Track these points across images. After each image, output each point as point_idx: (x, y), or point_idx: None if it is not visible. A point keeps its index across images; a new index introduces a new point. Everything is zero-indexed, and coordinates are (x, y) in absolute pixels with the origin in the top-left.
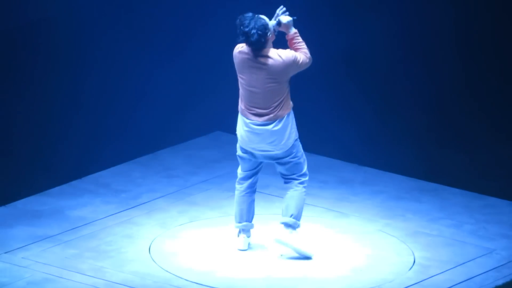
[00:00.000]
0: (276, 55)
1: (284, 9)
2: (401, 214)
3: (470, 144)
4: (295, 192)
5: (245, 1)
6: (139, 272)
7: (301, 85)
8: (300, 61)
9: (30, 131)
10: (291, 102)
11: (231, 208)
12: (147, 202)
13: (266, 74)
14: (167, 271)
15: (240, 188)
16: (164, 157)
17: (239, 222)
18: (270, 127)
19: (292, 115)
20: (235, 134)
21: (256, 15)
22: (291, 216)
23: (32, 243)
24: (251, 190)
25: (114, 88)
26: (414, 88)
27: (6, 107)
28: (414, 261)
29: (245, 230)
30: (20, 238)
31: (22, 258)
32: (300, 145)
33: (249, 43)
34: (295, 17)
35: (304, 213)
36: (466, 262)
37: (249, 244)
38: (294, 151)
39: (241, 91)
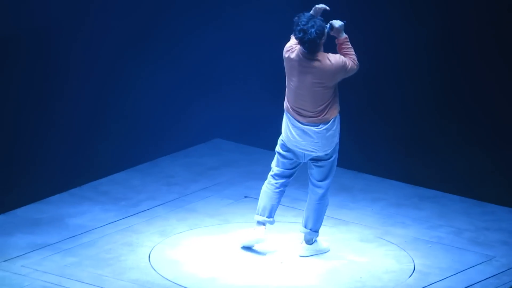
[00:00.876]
0: (326, 59)
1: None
2: (400, 221)
3: (470, 151)
4: (317, 205)
5: (244, 10)
6: (139, 280)
7: None
8: (349, 67)
9: (29, 139)
10: (338, 107)
11: (231, 215)
12: (146, 210)
13: (314, 78)
14: (167, 279)
15: (275, 184)
16: (163, 165)
17: (265, 216)
18: (315, 128)
19: (338, 120)
20: (235, 142)
21: (316, 17)
22: (310, 229)
23: (32, 251)
24: (284, 189)
25: (113, 95)
26: (413, 95)
27: (5, 115)
28: (414, 268)
29: (265, 223)
30: (20, 246)
31: (21, 266)
32: (337, 154)
33: (304, 41)
34: (345, 21)
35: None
36: (466, 269)
37: (262, 238)
38: (334, 155)
39: (287, 90)
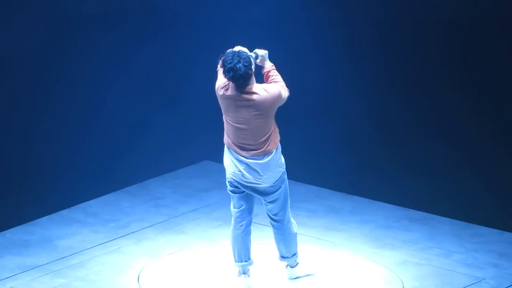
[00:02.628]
0: (262, 90)
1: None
2: (390, 243)
3: (459, 173)
4: (282, 235)
5: (234, 33)
6: None
7: (289, 115)
8: (284, 95)
9: (18, 161)
10: (278, 136)
11: (220, 237)
12: (135, 232)
13: (254, 110)
14: None
15: (240, 227)
16: (152, 187)
17: (240, 262)
18: (259, 160)
19: (279, 149)
20: (224, 164)
21: (237, 50)
22: (287, 257)
23: (21, 272)
24: (249, 229)
25: (103, 119)
26: (402, 118)
27: None
28: None
29: (246, 270)
30: (9, 268)
31: (10, 287)
32: (286, 183)
33: (236, 78)
34: (266, 51)
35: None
36: None
37: (249, 286)
38: (282, 185)
39: (226, 126)
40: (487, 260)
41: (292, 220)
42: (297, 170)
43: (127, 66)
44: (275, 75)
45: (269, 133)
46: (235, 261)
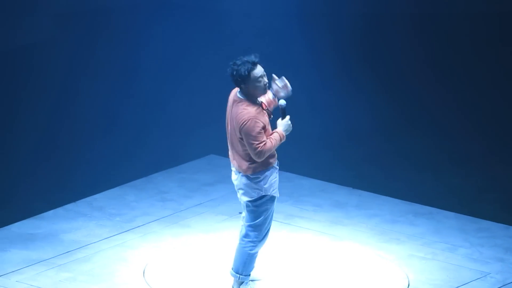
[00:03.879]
0: (242, 110)
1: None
2: (395, 238)
3: (465, 168)
4: (239, 245)
5: (249, 28)
6: None
7: (294, 107)
8: (253, 143)
9: (24, 155)
10: (258, 165)
11: (225, 231)
12: (141, 226)
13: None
14: None
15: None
16: (158, 181)
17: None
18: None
19: (259, 176)
20: (229, 158)
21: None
22: (232, 268)
23: (26, 266)
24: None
25: (108, 113)
26: (408, 112)
27: (0, 131)
28: (409, 285)
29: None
30: (14, 262)
31: (16, 281)
32: (264, 208)
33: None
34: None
35: (298, 236)
36: (460, 286)
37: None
38: (256, 209)
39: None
40: (492, 254)
41: (258, 242)
42: (303, 165)
43: (133, 61)
44: (273, 137)
45: (240, 155)
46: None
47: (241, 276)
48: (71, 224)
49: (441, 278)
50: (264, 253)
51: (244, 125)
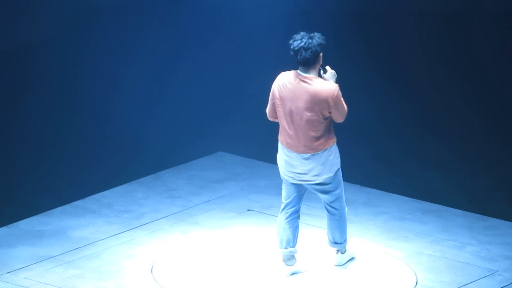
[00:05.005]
0: (322, 82)
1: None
2: (403, 235)
3: (473, 166)
4: (337, 221)
5: (255, 25)
6: None
7: None
8: (344, 106)
9: (32, 151)
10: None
11: (234, 228)
12: (149, 223)
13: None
14: None
15: (287, 213)
16: (166, 178)
17: (285, 248)
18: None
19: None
20: (238, 155)
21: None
22: (340, 242)
23: (34, 263)
24: (297, 216)
25: (116, 109)
26: (416, 110)
27: (8, 128)
28: (417, 282)
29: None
30: (22, 258)
31: (24, 278)
32: (340, 179)
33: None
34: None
35: (306, 234)
36: (468, 284)
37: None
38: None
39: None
40: (500, 252)
41: (344, 207)
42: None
43: (142, 57)
44: None
45: (313, 136)
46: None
47: (346, 240)
48: (79, 221)
49: (449, 275)
50: (273, 250)
51: (336, 94)
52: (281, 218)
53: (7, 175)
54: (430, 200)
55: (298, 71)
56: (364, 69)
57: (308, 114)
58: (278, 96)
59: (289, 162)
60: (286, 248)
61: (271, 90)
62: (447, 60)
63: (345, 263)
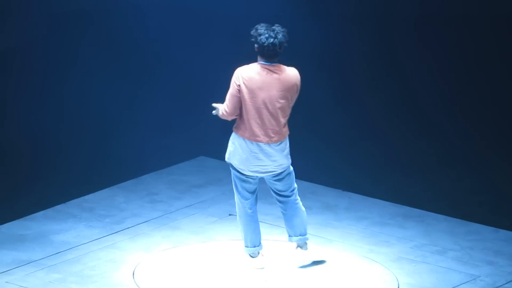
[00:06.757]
0: (291, 69)
1: None
2: (385, 240)
3: (455, 170)
4: (297, 208)
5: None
6: None
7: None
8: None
9: (14, 155)
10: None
11: (215, 233)
12: (131, 227)
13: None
14: None
15: (251, 208)
16: (148, 182)
17: (255, 247)
18: (278, 146)
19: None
20: (220, 159)
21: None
22: (301, 234)
23: (16, 267)
24: (256, 209)
25: (97, 113)
26: (397, 114)
27: None
28: (398, 287)
29: (256, 254)
30: (4, 262)
31: (6, 282)
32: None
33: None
34: None
35: (288, 238)
36: None
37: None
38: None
39: (247, 116)
40: (482, 257)
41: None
42: (293, 167)
43: (123, 61)
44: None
45: (281, 123)
46: (249, 246)
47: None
48: (61, 225)
49: (431, 281)
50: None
51: (299, 80)
52: (251, 216)
53: None
54: (411, 205)
55: (262, 62)
56: (347, 75)
57: (282, 101)
58: (245, 90)
59: (253, 156)
60: (257, 246)
61: (233, 86)
62: (429, 65)
63: (311, 262)
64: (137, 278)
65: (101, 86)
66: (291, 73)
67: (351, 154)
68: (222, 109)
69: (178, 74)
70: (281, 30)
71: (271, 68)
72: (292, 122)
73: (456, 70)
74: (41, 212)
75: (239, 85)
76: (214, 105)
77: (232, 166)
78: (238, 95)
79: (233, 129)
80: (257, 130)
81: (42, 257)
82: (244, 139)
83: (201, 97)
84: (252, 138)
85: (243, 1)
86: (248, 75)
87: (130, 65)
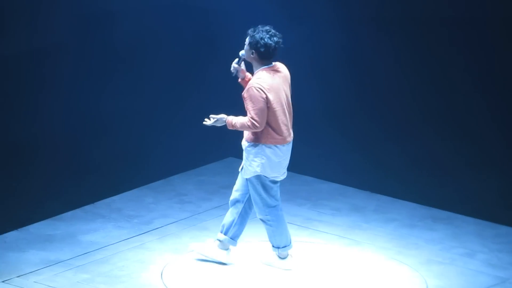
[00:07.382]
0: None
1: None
2: (413, 242)
3: (484, 173)
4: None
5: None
6: None
7: (314, 113)
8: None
9: (43, 156)
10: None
11: (243, 234)
12: (159, 228)
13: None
14: None
15: (281, 210)
16: (176, 183)
17: (285, 246)
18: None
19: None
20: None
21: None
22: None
23: (44, 267)
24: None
25: (126, 114)
26: (427, 116)
27: (19, 133)
28: None
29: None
30: (33, 262)
31: (34, 282)
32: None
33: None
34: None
35: (316, 240)
36: None
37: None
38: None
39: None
40: (510, 260)
41: None
42: (321, 168)
43: (155, 62)
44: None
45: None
46: (284, 245)
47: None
48: (89, 225)
49: (459, 283)
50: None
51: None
52: (282, 217)
53: (17, 180)
54: (440, 207)
55: (264, 66)
56: (375, 78)
57: (289, 95)
58: (272, 98)
59: (284, 159)
60: (288, 245)
61: (259, 101)
62: (457, 67)
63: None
64: (165, 279)
65: (131, 87)
66: (285, 67)
67: (379, 156)
68: (249, 123)
69: (209, 76)
70: (272, 28)
71: (274, 68)
72: (321, 125)
73: (486, 72)
74: (70, 212)
75: (265, 97)
76: (213, 116)
77: (260, 178)
78: (267, 104)
79: (256, 140)
80: (286, 131)
81: (70, 257)
82: (276, 146)
83: (231, 99)
84: (283, 141)
85: None
86: (268, 84)
87: (161, 66)
